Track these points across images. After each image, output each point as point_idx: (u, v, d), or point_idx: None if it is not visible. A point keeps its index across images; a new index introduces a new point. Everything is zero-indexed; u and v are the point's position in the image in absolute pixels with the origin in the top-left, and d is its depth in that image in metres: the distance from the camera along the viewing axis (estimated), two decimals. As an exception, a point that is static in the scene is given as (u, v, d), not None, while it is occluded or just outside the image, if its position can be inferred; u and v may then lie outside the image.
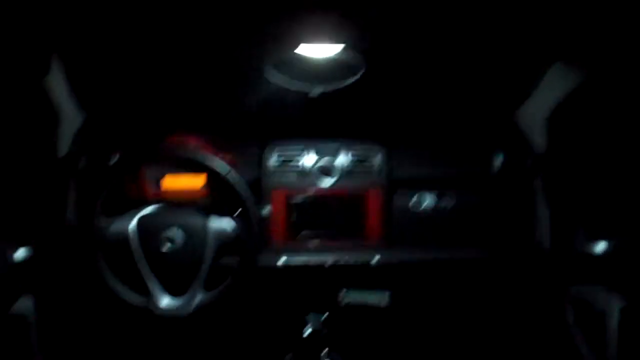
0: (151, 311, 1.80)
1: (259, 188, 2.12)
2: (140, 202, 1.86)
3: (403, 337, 2.59)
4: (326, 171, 2.13)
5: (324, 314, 2.31)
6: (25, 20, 1.67)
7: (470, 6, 1.75)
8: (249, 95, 2.25)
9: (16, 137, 1.97)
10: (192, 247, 1.80)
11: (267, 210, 1.99)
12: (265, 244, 2.14)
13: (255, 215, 1.77)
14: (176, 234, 1.79)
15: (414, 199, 2.20)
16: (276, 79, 2.12)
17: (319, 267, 2.15)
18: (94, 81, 2.17)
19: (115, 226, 1.78)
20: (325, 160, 2.14)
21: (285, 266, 2.14)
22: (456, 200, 2.21)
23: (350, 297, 2.37)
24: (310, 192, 2.14)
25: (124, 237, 1.78)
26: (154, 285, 1.80)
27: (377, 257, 2.16)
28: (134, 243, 1.78)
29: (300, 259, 2.15)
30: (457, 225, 2.22)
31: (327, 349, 2.19)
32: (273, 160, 2.14)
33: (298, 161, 2.15)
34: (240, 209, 1.81)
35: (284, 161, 2.14)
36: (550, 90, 2.11)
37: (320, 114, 2.34)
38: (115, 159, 2.11)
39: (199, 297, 1.80)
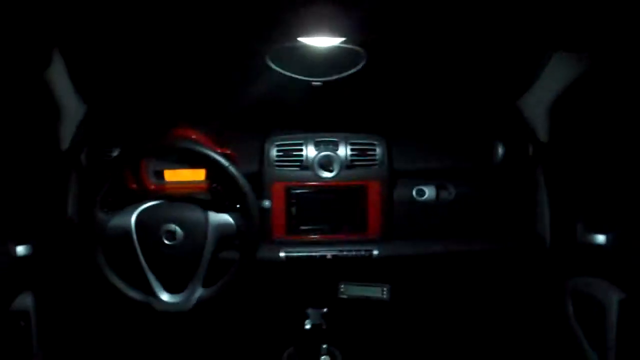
0: (151, 307, 1.79)
1: (259, 181, 2.11)
2: (140, 196, 1.85)
3: (403, 330, 2.60)
4: (327, 163, 2.12)
5: (324, 307, 2.31)
6: (26, 13, 1.65)
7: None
8: (249, 88, 2.24)
9: (17, 131, 1.96)
10: (192, 242, 1.79)
11: (267, 203, 1.98)
12: (265, 237, 2.13)
13: (255, 209, 1.77)
14: (176, 228, 1.78)
15: (415, 190, 2.19)
16: (278, 69, 2.11)
17: (320, 260, 2.14)
18: (95, 74, 2.16)
19: (115, 221, 1.77)
20: (325, 153, 2.12)
21: (286, 259, 2.13)
22: (457, 192, 2.21)
23: (350, 290, 2.36)
24: (311, 184, 2.13)
25: (123, 232, 1.77)
26: (154, 281, 1.80)
27: (377, 250, 2.15)
28: (134, 238, 1.77)
29: (300, 252, 2.14)
30: (458, 217, 2.22)
31: (326, 345, 2.19)
32: (273, 152, 2.13)
33: (299, 153, 2.13)
34: (240, 203, 1.80)
35: (284, 154, 2.13)
36: (552, 80, 2.10)
37: (321, 106, 2.32)
38: (115, 152, 2.10)
39: (199, 292, 1.79)
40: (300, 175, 2.13)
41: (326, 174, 2.12)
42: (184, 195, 1.87)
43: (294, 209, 2.14)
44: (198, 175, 1.98)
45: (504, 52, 2.13)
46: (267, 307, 2.56)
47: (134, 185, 1.98)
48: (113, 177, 1.74)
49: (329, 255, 2.14)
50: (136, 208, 1.79)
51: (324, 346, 2.20)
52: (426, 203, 2.19)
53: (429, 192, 2.19)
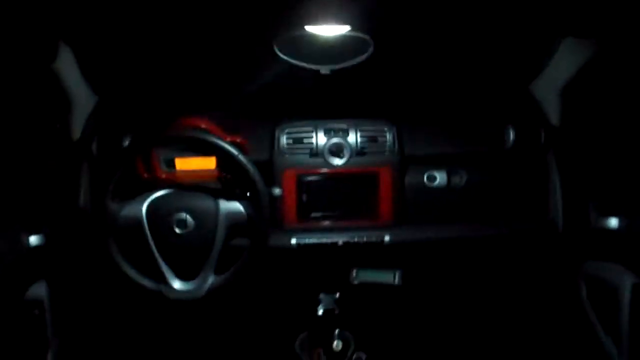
0: (164, 295, 1.80)
1: (270, 168, 2.11)
2: (151, 185, 1.86)
3: (415, 315, 2.60)
4: (337, 151, 2.11)
5: (336, 293, 2.32)
6: (30, 6, 1.65)
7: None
8: (258, 76, 2.23)
9: (28, 123, 1.97)
10: (203, 230, 1.80)
11: (277, 191, 1.98)
12: (276, 225, 2.13)
13: (265, 196, 1.77)
14: (187, 217, 1.79)
15: (426, 176, 2.18)
16: (286, 57, 2.10)
17: (331, 247, 2.15)
18: (105, 65, 2.16)
19: (127, 210, 1.78)
20: (336, 139, 2.12)
21: (297, 246, 2.13)
22: (468, 177, 2.20)
23: (362, 275, 2.37)
24: (322, 171, 2.13)
25: (135, 222, 1.77)
26: (166, 269, 1.81)
27: (389, 236, 2.15)
28: (145, 227, 1.78)
29: (312, 239, 2.14)
30: (470, 202, 2.21)
31: (338, 330, 2.20)
32: (284, 140, 2.13)
33: (309, 141, 2.13)
34: (250, 191, 1.80)
35: (294, 141, 2.13)
36: (563, 64, 2.09)
37: (331, 93, 2.32)
38: (126, 142, 2.11)
39: (211, 280, 1.80)
40: (311, 163, 2.13)
41: (337, 161, 2.12)
42: (195, 184, 1.87)
43: (304, 196, 2.14)
44: (209, 163, 1.99)
45: (514, 37, 2.11)
46: (280, 293, 2.56)
47: (145, 175, 1.99)
48: (124, 167, 1.75)
49: (340, 241, 2.14)
50: (147, 197, 1.80)
51: (337, 331, 2.20)
52: (437, 188, 2.18)
53: (440, 177, 2.18)
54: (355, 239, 2.14)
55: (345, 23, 1.97)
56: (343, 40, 2.04)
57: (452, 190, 2.19)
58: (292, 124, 2.15)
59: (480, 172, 2.21)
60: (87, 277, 2.27)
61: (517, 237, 2.25)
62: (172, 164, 1.99)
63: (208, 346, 2.58)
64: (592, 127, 2.10)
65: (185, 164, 1.98)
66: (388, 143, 2.14)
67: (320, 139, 2.13)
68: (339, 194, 2.15)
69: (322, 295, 2.32)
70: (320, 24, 1.98)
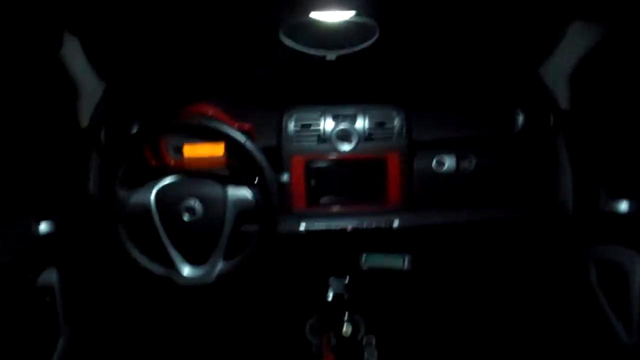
0: (174, 281, 1.81)
1: (278, 154, 2.11)
2: (160, 172, 1.86)
3: (425, 300, 2.61)
4: (345, 136, 2.11)
5: (346, 277, 2.32)
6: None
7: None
8: (265, 63, 2.23)
9: (37, 112, 1.97)
10: (212, 217, 1.80)
11: (286, 177, 1.98)
12: (285, 211, 2.14)
13: (273, 183, 1.77)
14: (195, 204, 1.79)
15: (435, 161, 2.18)
16: (292, 44, 2.10)
17: (340, 232, 2.15)
18: (112, 52, 2.17)
19: (136, 198, 1.78)
20: (344, 125, 2.12)
21: (306, 232, 2.14)
22: (477, 161, 2.19)
23: (371, 260, 2.37)
24: (330, 157, 2.13)
25: (144, 209, 1.78)
26: (175, 255, 1.81)
27: (398, 221, 2.15)
28: (154, 214, 1.78)
29: (321, 225, 2.15)
30: (479, 186, 2.20)
31: (347, 314, 2.20)
32: (292, 126, 2.13)
33: (317, 126, 2.13)
34: (258, 177, 1.80)
35: (302, 127, 2.13)
36: (572, 48, 2.08)
37: (338, 78, 2.31)
38: (134, 129, 2.11)
39: (220, 266, 1.80)
40: (319, 149, 2.13)
41: (345, 147, 2.12)
42: (203, 171, 1.88)
43: (313, 182, 2.14)
44: (217, 150, 1.98)
45: (522, 20, 2.10)
46: (290, 278, 2.57)
47: (154, 162, 1.99)
48: (132, 154, 1.75)
49: (349, 227, 2.15)
50: (156, 184, 1.80)
51: (347, 315, 2.21)
52: (446, 173, 2.18)
53: (449, 162, 2.17)
54: (364, 225, 2.15)
55: (350, 8, 1.96)
56: (348, 25, 2.04)
57: (461, 174, 2.18)
58: (299, 110, 2.15)
59: (489, 157, 2.20)
60: (97, 264, 2.29)
61: (527, 220, 2.25)
62: (180, 151, 1.98)
63: (218, 331, 2.60)
64: (602, 111, 2.09)
65: (194, 150, 1.98)
66: (396, 128, 2.13)
67: (328, 124, 2.13)
68: (348, 179, 2.15)
69: (331, 280, 2.32)
70: (326, 10, 1.97)
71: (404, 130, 2.14)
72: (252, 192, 1.80)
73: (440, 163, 2.17)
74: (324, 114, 2.14)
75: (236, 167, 1.93)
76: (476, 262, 2.53)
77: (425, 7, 2.04)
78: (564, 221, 2.20)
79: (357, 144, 2.12)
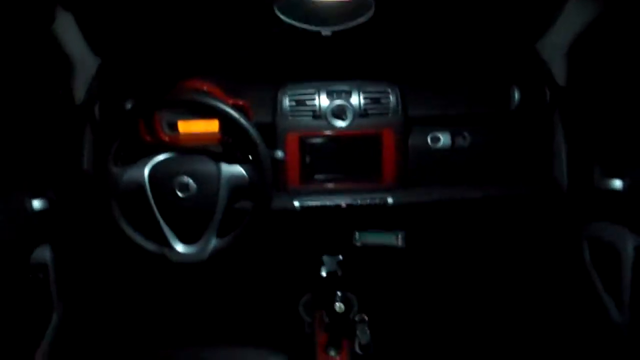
0: (166, 258, 1.81)
1: (273, 131, 2.10)
2: (154, 149, 1.85)
3: (418, 277, 2.62)
4: (340, 112, 2.10)
5: (339, 255, 2.33)
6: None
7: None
8: (260, 38, 2.21)
9: (30, 88, 1.96)
10: (206, 194, 1.79)
11: (280, 153, 1.97)
12: (279, 187, 2.13)
13: (267, 159, 1.76)
14: (189, 180, 1.78)
15: (430, 137, 2.17)
16: (287, 19, 2.08)
17: (334, 209, 2.15)
18: (106, 28, 2.14)
19: (129, 174, 1.77)
20: (339, 101, 2.10)
21: (300, 209, 2.14)
22: (473, 138, 2.17)
23: (365, 237, 2.37)
24: (325, 133, 2.12)
25: (137, 185, 1.77)
26: (168, 232, 1.81)
27: (392, 198, 2.15)
28: (148, 191, 1.77)
29: (315, 202, 2.14)
30: (474, 163, 2.19)
31: (340, 291, 2.20)
32: (286, 102, 2.11)
33: (312, 103, 2.11)
34: (252, 154, 1.80)
35: (297, 103, 2.11)
36: (569, 23, 2.06)
37: (333, 55, 2.29)
38: (129, 105, 2.10)
39: (213, 243, 1.80)
40: (314, 125, 2.11)
41: (340, 123, 2.10)
42: (197, 147, 1.87)
43: (307, 159, 2.13)
44: (212, 126, 1.97)
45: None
46: (283, 255, 2.58)
47: (148, 138, 1.98)
48: (126, 130, 1.74)
49: (343, 204, 2.15)
50: (149, 161, 1.79)
51: (339, 293, 2.21)
52: (441, 150, 2.16)
53: (444, 138, 2.16)
54: (359, 202, 2.14)
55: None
56: (344, 1, 2.01)
57: (456, 151, 2.17)
58: (294, 86, 2.13)
59: (485, 133, 2.19)
60: (90, 241, 2.28)
61: (521, 198, 2.25)
62: (175, 127, 1.97)
63: (212, 309, 2.60)
64: (598, 87, 2.08)
65: (189, 126, 1.97)
66: (391, 104, 2.12)
67: (323, 101, 2.11)
68: (342, 156, 2.14)
69: (325, 258, 2.33)
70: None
71: (399, 106, 2.12)
72: (246, 168, 1.79)
73: (436, 139, 2.16)
74: (318, 90, 2.12)
75: (230, 144, 1.92)
76: (470, 240, 2.54)
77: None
78: (558, 198, 2.20)
79: (352, 120, 2.10)
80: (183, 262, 1.80)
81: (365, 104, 2.11)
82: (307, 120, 2.11)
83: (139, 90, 2.12)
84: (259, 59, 2.27)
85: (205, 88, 1.94)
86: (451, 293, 2.58)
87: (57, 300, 2.07)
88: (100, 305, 2.43)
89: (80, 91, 2.15)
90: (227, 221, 1.81)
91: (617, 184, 1.99)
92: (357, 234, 2.37)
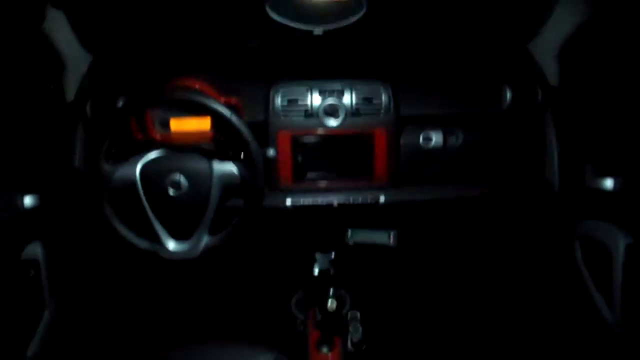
0: (158, 255, 1.81)
1: (265, 129, 2.10)
2: (146, 146, 1.85)
3: (410, 275, 2.62)
4: (332, 111, 2.10)
5: (331, 253, 2.33)
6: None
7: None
8: (252, 37, 2.21)
9: (22, 85, 1.95)
10: (197, 191, 1.79)
11: (272, 152, 1.97)
12: (272, 186, 2.14)
13: (259, 157, 1.76)
14: (180, 178, 1.78)
15: (422, 136, 2.17)
16: (279, 18, 2.08)
17: (327, 208, 2.15)
18: (98, 25, 2.14)
19: (121, 172, 1.77)
20: (331, 100, 2.11)
21: (293, 207, 2.14)
22: (465, 137, 2.18)
23: (357, 236, 2.38)
24: (317, 132, 2.12)
25: (129, 183, 1.77)
26: (160, 230, 1.81)
27: (384, 196, 2.16)
28: (140, 188, 1.77)
29: (307, 200, 2.15)
30: (466, 162, 2.20)
31: (333, 289, 2.21)
32: (279, 101, 2.11)
33: (304, 102, 2.11)
34: (244, 152, 1.80)
35: (289, 102, 2.11)
36: (561, 23, 2.07)
37: (325, 54, 2.30)
38: (120, 102, 2.09)
39: (205, 240, 1.80)
40: (306, 124, 2.11)
41: (332, 122, 2.11)
42: (189, 145, 1.87)
43: (300, 157, 2.13)
44: (204, 124, 1.97)
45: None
46: (276, 253, 2.58)
47: (140, 135, 1.98)
48: (118, 128, 1.74)
49: (335, 202, 2.15)
50: (141, 158, 1.79)
51: (332, 290, 2.21)
52: (433, 149, 2.17)
53: (436, 138, 2.16)
54: (351, 200, 2.15)
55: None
56: (336, 0, 2.02)
57: (448, 150, 2.18)
58: (286, 85, 2.13)
59: (477, 133, 2.19)
60: (82, 238, 2.28)
61: (513, 197, 2.26)
62: (166, 125, 1.97)
63: (204, 306, 2.61)
64: (590, 87, 2.09)
65: (180, 124, 1.96)
66: (383, 103, 2.12)
67: (315, 99, 2.11)
68: (334, 155, 2.14)
69: (317, 255, 2.33)
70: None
71: (391, 105, 2.13)
72: (238, 166, 1.79)
73: (427, 139, 2.16)
74: (311, 89, 2.12)
75: (222, 142, 1.92)
76: (462, 239, 2.54)
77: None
78: (550, 197, 2.20)
79: (344, 119, 2.10)
80: (175, 260, 1.81)
81: (357, 103, 2.12)
82: (299, 118, 2.11)
83: (131, 88, 2.12)
84: (251, 58, 2.28)
85: (197, 86, 1.94)
86: (443, 291, 2.59)
87: (48, 297, 2.08)
88: (92, 302, 2.43)
89: (71, 89, 2.15)
90: (219, 219, 1.81)
91: (609, 183, 2.00)
92: (349, 232, 2.38)
